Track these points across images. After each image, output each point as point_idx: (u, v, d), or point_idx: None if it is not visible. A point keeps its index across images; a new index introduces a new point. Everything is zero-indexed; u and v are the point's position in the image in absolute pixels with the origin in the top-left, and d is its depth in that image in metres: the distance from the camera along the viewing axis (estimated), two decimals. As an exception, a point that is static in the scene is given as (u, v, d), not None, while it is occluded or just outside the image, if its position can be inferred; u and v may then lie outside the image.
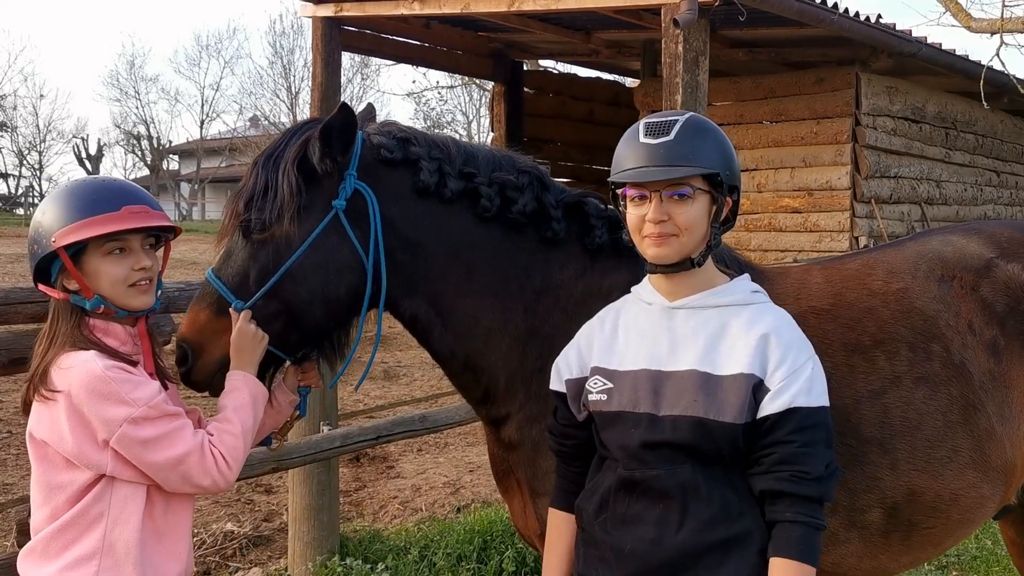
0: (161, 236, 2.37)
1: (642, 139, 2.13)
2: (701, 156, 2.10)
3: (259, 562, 5.62)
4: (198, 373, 2.41)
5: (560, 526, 2.33)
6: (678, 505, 2.05)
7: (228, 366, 2.37)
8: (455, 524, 5.54)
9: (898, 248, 2.92)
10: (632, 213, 2.15)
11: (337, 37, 10.97)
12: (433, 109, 38.62)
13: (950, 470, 2.58)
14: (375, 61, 35.42)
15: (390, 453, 7.87)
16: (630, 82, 16.10)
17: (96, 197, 2.22)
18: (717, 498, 2.04)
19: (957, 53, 10.97)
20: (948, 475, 2.58)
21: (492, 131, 13.43)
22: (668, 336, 2.15)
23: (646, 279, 2.28)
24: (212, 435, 2.23)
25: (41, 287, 2.28)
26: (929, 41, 10.58)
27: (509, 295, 2.55)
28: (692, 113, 2.19)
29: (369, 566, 4.95)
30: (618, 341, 2.22)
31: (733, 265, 2.55)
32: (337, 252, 2.42)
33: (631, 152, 2.15)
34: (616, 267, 2.60)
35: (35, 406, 2.20)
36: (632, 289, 2.32)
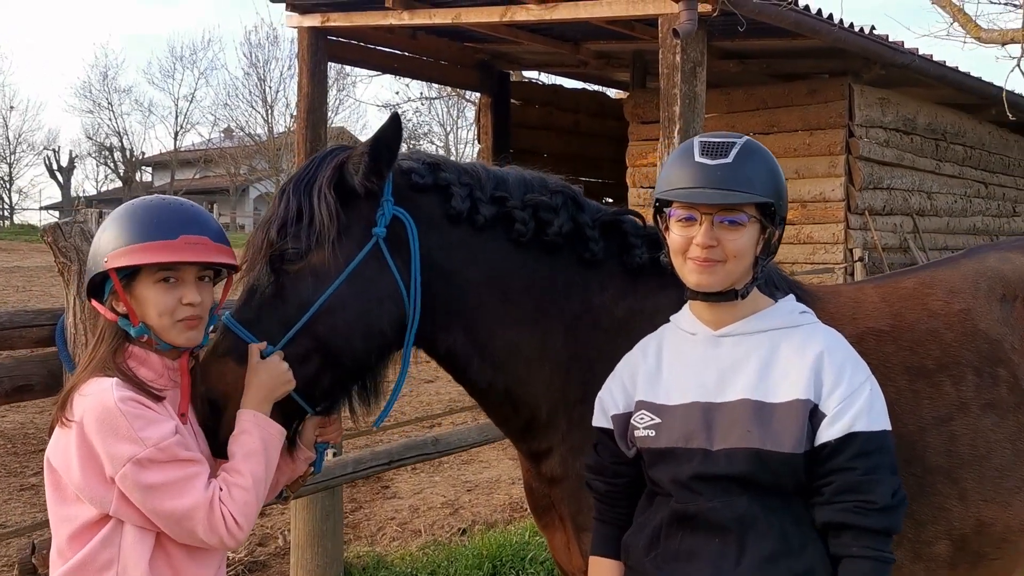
0: (223, 270, 2.24)
1: (698, 158, 2.03)
2: (757, 183, 2.01)
3: (257, 589, 5.41)
4: (225, 430, 2.22)
5: (604, 574, 2.19)
6: (736, 539, 1.94)
7: None
8: (461, 548, 5.37)
9: (953, 266, 2.82)
10: (677, 234, 2.05)
11: (323, 48, 10.84)
12: (409, 120, 38.46)
13: (1020, 500, 2.50)
14: (352, 73, 35.24)
15: (385, 473, 7.67)
16: (614, 93, 16.05)
17: (155, 221, 2.11)
18: (777, 531, 1.94)
19: (948, 65, 11.00)
20: (1018, 505, 2.50)
21: (479, 142, 13.32)
22: (716, 366, 2.05)
23: (686, 307, 2.18)
24: (221, 490, 2.06)
25: (93, 303, 2.17)
26: (923, 55, 10.60)
27: (549, 321, 2.44)
28: (748, 137, 2.10)
29: (376, 594, 4.77)
30: (663, 373, 2.12)
31: (782, 285, 2.46)
32: (376, 282, 2.29)
33: (685, 171, 2.04)
34: (660, 287, 2.50)
35: (56, 430, 2.08)
36: (671, 318, 2.22)
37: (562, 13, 8.55)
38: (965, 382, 2.49)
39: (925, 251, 11.17)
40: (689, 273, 2.04)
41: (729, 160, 1.99)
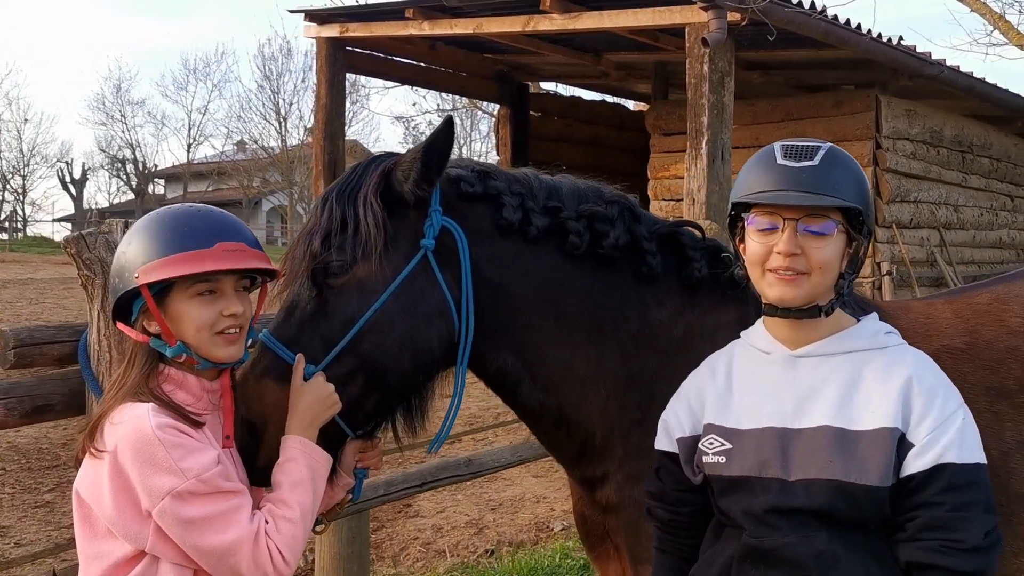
0: (257, 277, 2.08)
1: (780, 160, 1.88)
2: (845, 188, 1.86)
3: (278, 613, 5.24)
4: (266, 451, 2.08)
5: None
6: None
7: None
8: (491, 571, 5.20)
9: (1026, 280, 2.66)
10: (757, 243, 1.90)
11: (341, 59, 10.75)
12: (422, 133, 38.43)
13: (1109, 530, 2.31)
14: (367, 84, 35.19)
15: (407, 491, 7.49)
16: (632, 105, 15.92)
17: (188, 230, 1.95)
18: (860, 571, 1.78)
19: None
20: (1106, 536, 2.31)
21: (498, 154, 13.20)
22: (793, 389, 1.89)
23: (759, 324, 2.03)
24: (267, 522, 1.91)
25: (120, 326, 2.00)
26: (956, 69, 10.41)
27: (604, 339, 2.30)
28: (831, 144, 1.95)
29: (404, 620, 4.59)
30: (734, 395, 1.98)
31: (850, 301, 2.29)
32: (425, 296, 2.16)
33: (766, 174, 1.89)
34: (719, 304, 2.37)
35: (84, 462, 1.93)
36: (742, 335, 2.08)
37: (586, 23, 8.41)
38: None
39: (952, 265, 10.97)
40: (769, 287, 1.88)
41: (815, 163, 1.85)
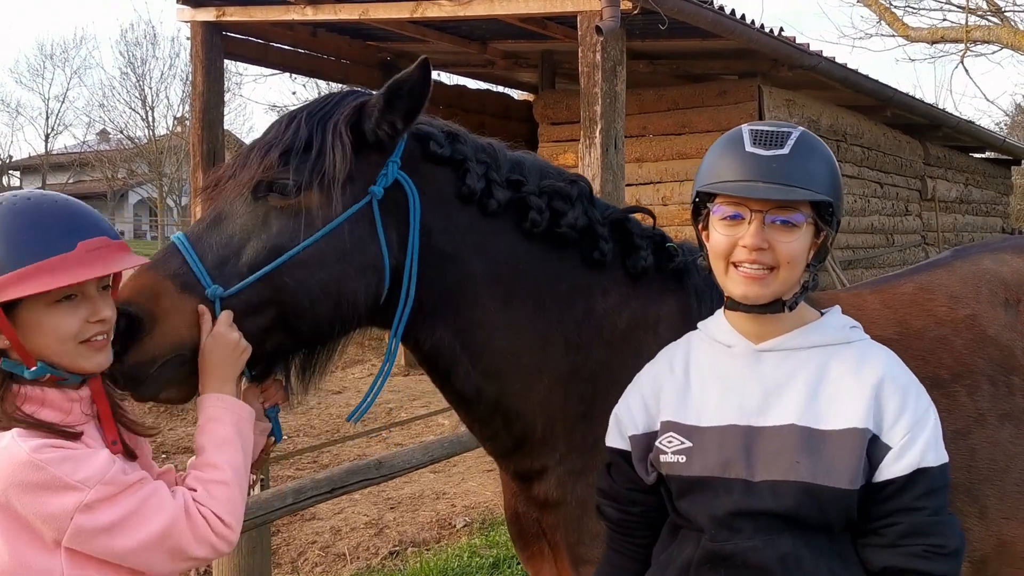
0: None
1: (749, 148, 1.81)
2: (816, 179, 1.80)
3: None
4: (141, 352, 1.86)
5: None
6: None
7: (175, 363, 1.87)
8: (396, 574, 5.05)
9: (947, 269, 2.70)
10: (721, 234, 1.82)
11: (219, 44, 10.25)
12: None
13: (1042, 516, 2.35)
14: (240, 72, 33.96)
15: (301, 493, 7.21)
16: (517, 95, 15.87)
17: (40, 231, 1.68)
18: (824, 573, 1.74)
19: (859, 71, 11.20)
20: (1040, 522, 2.35)
21: (383, 144, 12.90)
22: (758, 385, 1.83)
23: (718, 314, 1.96)
24: (195, 490, 1.75)
25: None
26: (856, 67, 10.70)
27: (549, 327, 2.20)
28: (803, 128, 1.88)
29: (311, 633, 4.39)
30: (692, 389, 1.89)
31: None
32: (362, 246, 2.01)
33: (734, 161, 1.81)
34: (660, 294, 2.30)
35: None
36: (700, 325, 2.01)
37: (476, 10, 8.26)
38: (980, 392, 2.37)
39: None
40: (734, 284, 1.80)
41: (785, 151, 1.77)
